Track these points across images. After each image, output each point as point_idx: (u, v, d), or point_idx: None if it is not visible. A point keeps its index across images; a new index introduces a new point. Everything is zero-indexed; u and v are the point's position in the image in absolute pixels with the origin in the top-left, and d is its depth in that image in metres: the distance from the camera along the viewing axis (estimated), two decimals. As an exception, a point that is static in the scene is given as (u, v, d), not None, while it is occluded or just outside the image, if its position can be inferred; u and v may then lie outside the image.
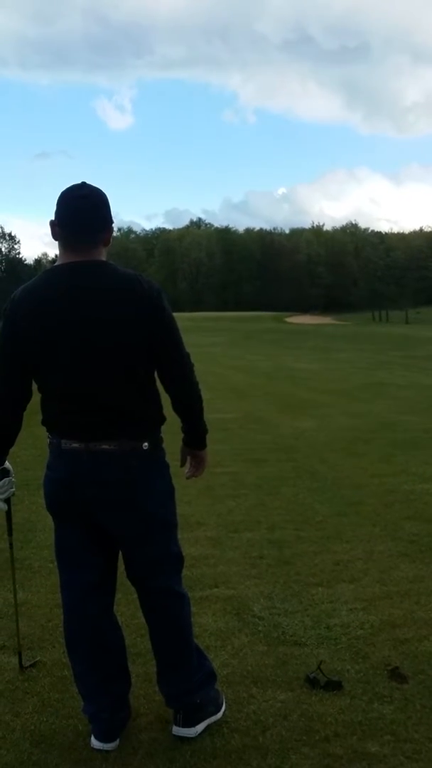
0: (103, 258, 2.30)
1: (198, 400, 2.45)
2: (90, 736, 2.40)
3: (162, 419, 2.41)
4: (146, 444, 2.33)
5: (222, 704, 2.57)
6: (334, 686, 2.72)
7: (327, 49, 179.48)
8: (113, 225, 2.35)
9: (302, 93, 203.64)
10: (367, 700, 2.65)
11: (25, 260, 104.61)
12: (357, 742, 2.40)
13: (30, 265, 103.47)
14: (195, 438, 2.53)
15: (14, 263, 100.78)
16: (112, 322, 2.20)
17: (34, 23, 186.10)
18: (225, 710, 2.56)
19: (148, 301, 2.25)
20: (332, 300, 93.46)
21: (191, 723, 2.43)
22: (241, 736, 2.43)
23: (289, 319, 63.31)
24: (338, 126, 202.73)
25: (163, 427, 2.44)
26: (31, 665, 2.92)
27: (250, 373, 18.10)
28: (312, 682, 2.75)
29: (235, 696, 2.68)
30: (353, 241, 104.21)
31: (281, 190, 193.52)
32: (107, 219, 2.31)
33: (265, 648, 3.07)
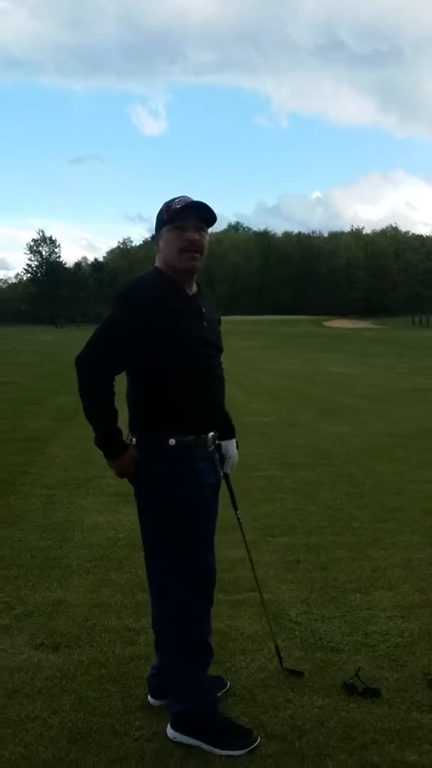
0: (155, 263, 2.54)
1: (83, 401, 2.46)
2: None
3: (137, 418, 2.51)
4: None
5: (215, 745, 2.39)
6: (372, 693, 2.69)
7: (359, 53, 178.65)
8: (155, 235, 2.54)
9: (336, 96, 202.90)
10: (405, 709, 2.61)
11: (65, 263, 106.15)
12: (395, 750, 2.36)
13: (70, 268, 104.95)
14: None
15: (54, 266, 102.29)
16: None
17: (70, 31, 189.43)
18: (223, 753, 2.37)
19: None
20: (371, 304, 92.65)
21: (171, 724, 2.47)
22: (277, 741, 2.42)
23: (327, 323, 62.94)
24: (373, 129, 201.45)
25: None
26: (293, 671, 2.84)
27: (287, 377, 18.04)
28: (350, 689, 2.72)
29: (271, 700, 2.67)
30: (393, 245, 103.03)
31: (316, 194, 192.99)
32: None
33: (302, 653, 3.05)
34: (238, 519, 2.88)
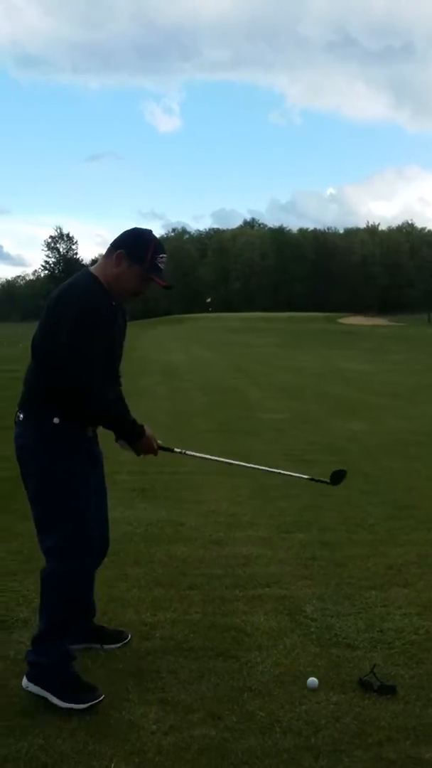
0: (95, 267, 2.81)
1: None
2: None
3: None
4: None
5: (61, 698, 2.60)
6: (387, 690, 2.69)
7: (371, 50, 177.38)
8: (123, 252, 2.69)
9: (349, 93, 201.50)
10: (421, 706, 2.62)
11: (82, 260, 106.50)
12: (410, 747, 2.37)
13: (86, 264, 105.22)
14: None
15: (71, 263, 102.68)
16: None
17: (84, 28, 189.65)
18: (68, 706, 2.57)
19: None
20: (387, 301, 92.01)
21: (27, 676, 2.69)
22: (293, 736, 2.43)
23: (342, 320, 62.65)
24: (386, 125, 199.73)
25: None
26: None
27: (301, 374, 18.00)
28: (365, 686, 2.73)
29: (287, 696, 2.68)
30: (409, 241, 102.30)
31: (330, 190, 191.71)
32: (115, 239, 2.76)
33: (317, 649, 3.06)
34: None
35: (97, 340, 2.60)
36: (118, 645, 3.06)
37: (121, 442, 2.84)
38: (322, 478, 3.24)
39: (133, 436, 2.77)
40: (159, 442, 2.88)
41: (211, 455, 3.33)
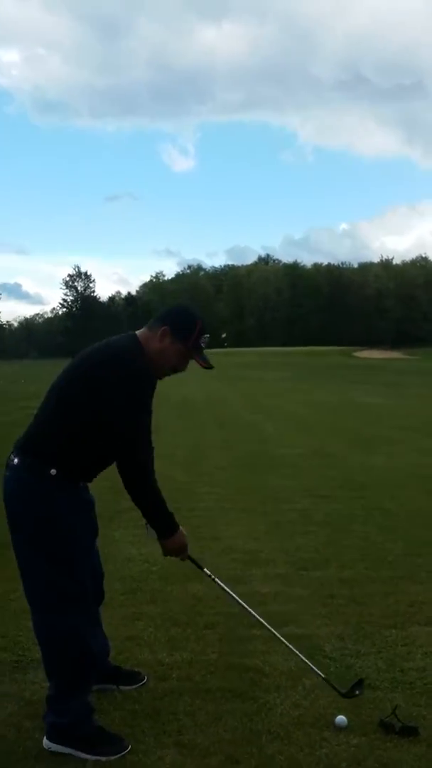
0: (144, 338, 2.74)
1: None
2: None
3: None
4: None
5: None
6: (410, 732, 2.62)
7: (382, 88, 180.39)
8: (169, 329, 2.68)
9: (360, 130, 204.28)
10: (445, 750, 2.55)
11: (99, 298, 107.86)
12: (435, 793, 2.30)
13: (104, 303, 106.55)
14: None
15: (89, 301, 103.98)
16: None
17: (102, 74, 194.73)
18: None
19: None
20: (402, 334, 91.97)
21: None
22: (313, 780, 2.37)
23: (357, 354, 62.63)
24: (398, 161, 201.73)
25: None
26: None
27: (317, 408, 17.95)
28: (386, 727, 2.66)
29: (307, 738, 2.62)
30: (423, 275, 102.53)
31: (343, 226, 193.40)
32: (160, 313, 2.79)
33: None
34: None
35: (147, 414, 2.61)
36: (134, 687, 3.02)
37: (150, 531, 2.75)
38: (336, 687, 2.85)
39: (167, 529, 2.72)
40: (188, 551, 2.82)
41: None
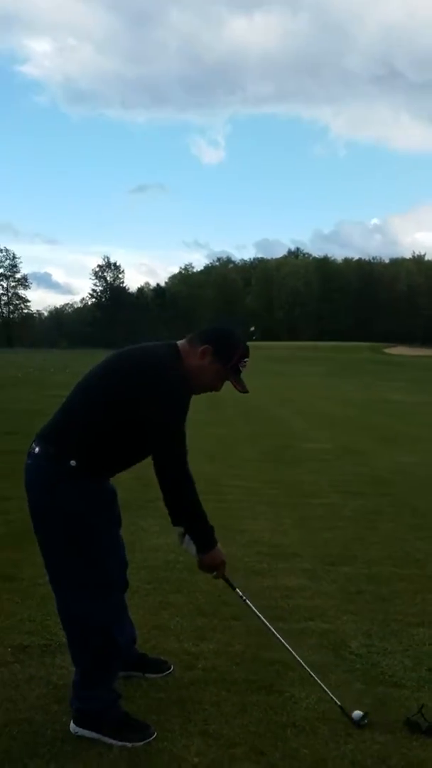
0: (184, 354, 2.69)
1: None
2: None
3: None
4: None
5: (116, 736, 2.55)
6: (436, 732, 2.60)
7: (417, 82, 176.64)
8: (211, 348, 2.66)
9: (394, 124, 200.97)
10: (472, 751, 2.52)
11: (128, 289, 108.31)
12: (461, 794, 2.28)
13: (133, 293, 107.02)
14: None
15: (118, 291, 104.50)
16: None
17: (133, 65, 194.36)
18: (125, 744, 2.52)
19: None
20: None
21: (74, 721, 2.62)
22: (337, 775, 2.37)
23: (387, 350, 62.02)
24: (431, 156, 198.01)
25: None
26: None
27: (346, 404, 17.83)
28: (412, 726, 2.65)
29: (332, 734, 2.62)
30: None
31: (374, 221, 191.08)
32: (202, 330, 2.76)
33: (362, 687, 2.98)
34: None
35: (183, 424, 2.59)
36: (160, 675, 3.04)
37: (187, 543, 2.72)
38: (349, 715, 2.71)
39: (207, 542, 2.70)
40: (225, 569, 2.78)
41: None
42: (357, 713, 2.69)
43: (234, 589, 2.91)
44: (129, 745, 2.52)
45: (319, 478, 7.68)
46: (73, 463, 2.52)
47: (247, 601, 2.91)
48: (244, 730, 2.63)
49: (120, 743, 2.52)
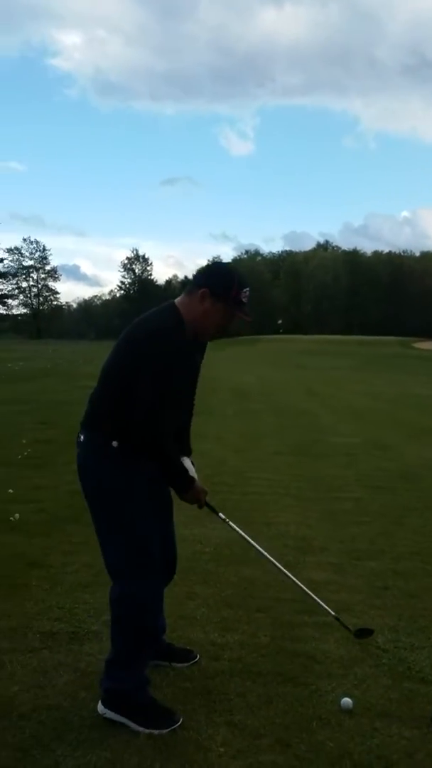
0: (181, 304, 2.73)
1: None
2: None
3: None
4: None
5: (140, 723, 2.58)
6: (463, 729, 2.58)
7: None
8: (207, 290, 2.67)
9: (425, 116, 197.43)
10: None
11: (156, 281, 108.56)
12: None
13: (160, 285, 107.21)
14: None
15: (146, 284, 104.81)
16: None
17: (162, 57, 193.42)
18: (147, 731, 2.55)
19: None
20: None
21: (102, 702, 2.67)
22: (363, 769, 2.36)
23: (417, 345, 61.28)
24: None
25: None
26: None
27: (374, 399, 17.68)
28: (440, 723, 2.63)
29: (358, 727, 2.61)
30: None
31: (404, 213, 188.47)
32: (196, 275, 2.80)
33: (389, 682, 2.97)
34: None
35: (174, 386, 2.60)
36: (187, 665, 3.06)
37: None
38: (347, 625, 3.31)
39: (183, 485, 2.74)
40: (207, 498, 2.85)
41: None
42: (346, 701, 2.71)
43: (217, 513, 2.97)
44: (155, 732, 2.54)
45: (347, 473, 7.64)
46: (114, 444, 2.60)
47: (233, 525, 3.02)
48: (269, 722, 2.64)
49: (147, 730, 2.55)
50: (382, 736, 2.56)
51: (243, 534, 3.06)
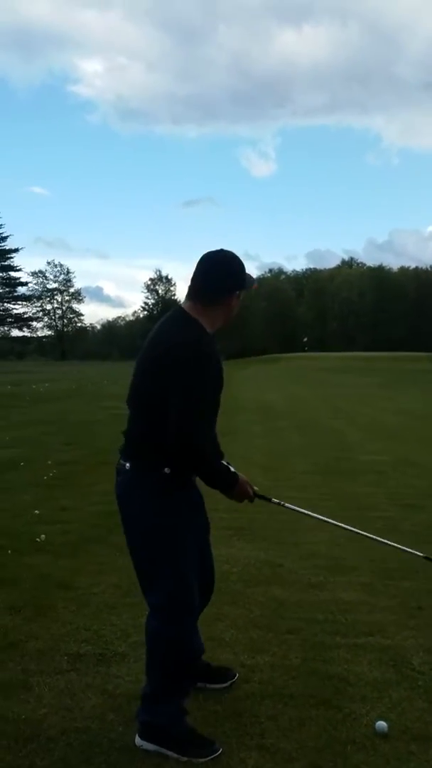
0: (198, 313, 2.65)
1: None
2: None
3: None
4: None
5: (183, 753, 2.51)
6: None
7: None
8: (228, 295, 2.67)
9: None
10: None
11: (179, 301, 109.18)
12: None
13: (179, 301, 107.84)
14: None
15: (169, 304, 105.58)
16: None
17: (183, 82, 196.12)
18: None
19: None
20: None
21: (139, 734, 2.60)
22: (400, 796, 2.29)
23: (444, 361, 60.60)
24: None
25: None
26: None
27: (403, 416, 17.47)
28: None
29: (393, 751, 2.53)
30: None
31: (430, 229, 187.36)
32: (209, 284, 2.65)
33: (425, 705, 2.88)
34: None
35: (209, 391, 2.56)
36: (225, 685, 2.99)
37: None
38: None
39: (229, 484, 2.64)
40: (255, 488, 2.75)
41: (309, 505, 3.23)
42: (381, 724, 2.62)
43: (270, 500, 2.86)
44: (195, 761, 2.47)
45: (377, 491, 7.52)
46: (167, 470, 2.51)
47: (290, 505, 2.92)
48: (302, 745, 2.57)
49: (185, 758, 2.48)
50: (418, 760, 2.48)
51: (303, 510, 2.95)
